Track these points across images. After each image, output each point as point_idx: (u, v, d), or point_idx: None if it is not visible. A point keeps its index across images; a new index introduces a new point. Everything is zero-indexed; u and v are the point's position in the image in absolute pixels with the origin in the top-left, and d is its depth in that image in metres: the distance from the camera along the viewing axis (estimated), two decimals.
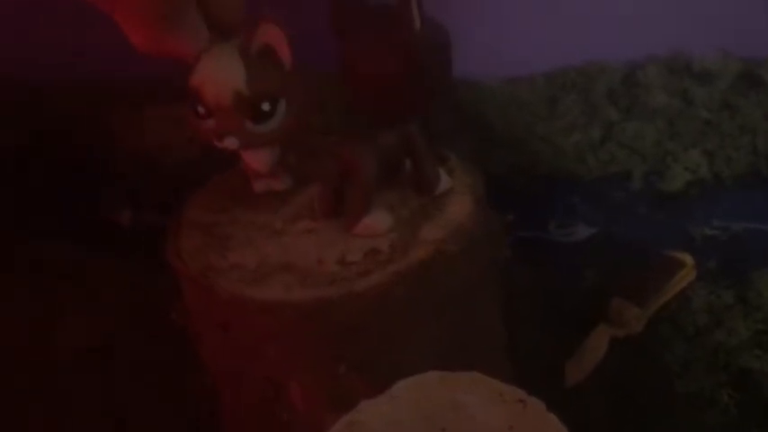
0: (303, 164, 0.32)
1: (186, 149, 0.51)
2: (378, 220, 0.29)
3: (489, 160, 0.47)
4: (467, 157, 0.33)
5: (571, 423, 0.24)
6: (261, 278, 0.28)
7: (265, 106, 0.28)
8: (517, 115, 0.51)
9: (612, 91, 0.53)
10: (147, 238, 0.46)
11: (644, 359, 0.37)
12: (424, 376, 0.28)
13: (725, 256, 0.42)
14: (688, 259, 0.40)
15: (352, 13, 0.27)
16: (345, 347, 0.28)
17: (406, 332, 0.29)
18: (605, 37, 0.55)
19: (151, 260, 0.43)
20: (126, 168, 0.49)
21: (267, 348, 0.28)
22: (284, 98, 0.28)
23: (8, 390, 0.38)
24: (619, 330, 0.38)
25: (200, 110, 0.28)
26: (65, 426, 0.37)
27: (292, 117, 0.29)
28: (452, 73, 0.29)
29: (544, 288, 0.41)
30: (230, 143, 0.28)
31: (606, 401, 0.35)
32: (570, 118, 0.51)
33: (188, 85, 0.28)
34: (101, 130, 0.51)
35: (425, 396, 0.28)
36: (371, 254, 0.28)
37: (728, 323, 0.38)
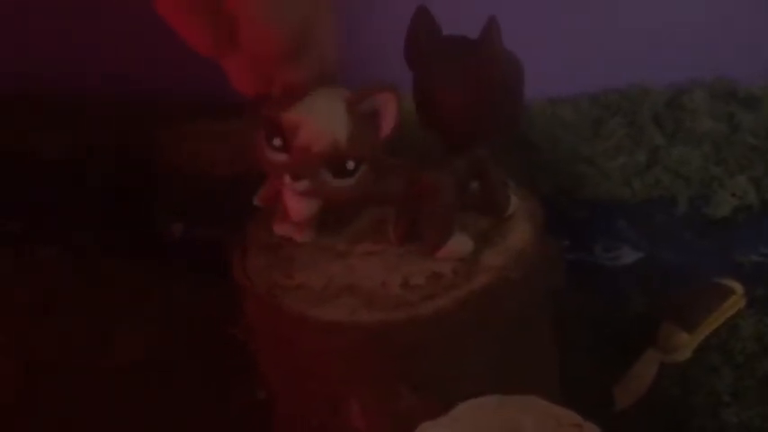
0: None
1: (231, 166, 0.52)
2: (460, 244, 0.30)
3: (535, 182, 0.48)
4: (516, 179, 0.34)
5: None
6: (327, 299, 0.29)
7: (350, 164, 0.28)
8: (562, 136, 0.52)
9: (657, 115, 0.53)
10: (199, 251, 0.47)
11: (693, 386, 0.37)
12: (483, 399, 0.29)
13: None
14: (737, 287, 0.40)
15: (428, 43, 0.28)
16: (408, 369, 0.29)
17: (466, 355, 0.29)
18: (650, 60, 0.55)
19: (204, 274, 0.45)
20: (176, 182, 0.51)
21: (330, 367, 0.29)
22: (367, 164, 0.28)
23: (63, 401, 0.39)
24: (667, 356, 0.38)
25: (277, 142, 0.28)
26: None
27: (366, 183, 0.29)
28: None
29: (591, 311, 0.41)
30: (302, 186, 0.28)
31: (654, 428, 0.36)
32: (615, 140, 0.51)
33: (278, 117, 0.28)
34: (151, 144, 0.52)
35: (485, 419, 0.29)
36: (434, 278, 0.29)
37: None
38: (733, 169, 0.48)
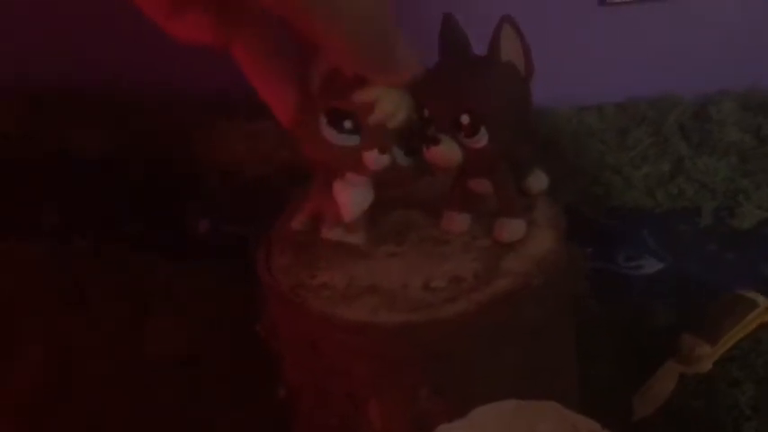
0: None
1: (259, 167, 0.52)
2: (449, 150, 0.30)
3: (559, 189, 0.48)
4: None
5: None
6: (349, 298, 0.29)
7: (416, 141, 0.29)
8: (587, 144, 0.52)
9: (683, 125, 0.53)
10: (226, 248, 0.48)
11: (713, 398, 0.37)
12: (501, 404, 0.29)
13: None
14: (761, 299, 0.40)
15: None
16: (427, 371, 0.29)
17: (486, 359, 0.29)
18: (677, 70, 0.55)
19: (230, 270, 0.45)
20: (206, 180, 0.52)
21: (351, 366, 0.29)
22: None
23: (93, 396, 0.39)
24: (688, 367, 0.38)
25: (348, 124, 0.29)
26: None
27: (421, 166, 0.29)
28: None
29: (611, 321, 0.41)
30: (383, 161, 0.29)
31: None
32: (640, 150, 0.51)
33: (347, 101, 0.28)
34: (183, 143, 0.53)
35: (502, 423, 0.29)
36: (455, 281, 0.29)
37: None
38: (759, 181, 0.48)
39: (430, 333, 0.28)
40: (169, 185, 0.51)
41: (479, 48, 0.30)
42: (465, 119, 0.28)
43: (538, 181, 0.33)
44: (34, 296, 0.45)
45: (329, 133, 0.29)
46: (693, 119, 0.53)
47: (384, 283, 0.30)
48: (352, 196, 0.30)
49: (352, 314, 0.28)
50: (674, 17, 0.55)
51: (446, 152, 0.28)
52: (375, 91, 0.28)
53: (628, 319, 0.41)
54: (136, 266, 0.47)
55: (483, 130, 0.28)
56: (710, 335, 0.38)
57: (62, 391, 0.40)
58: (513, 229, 0.30)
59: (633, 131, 0.52)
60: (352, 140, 0.29)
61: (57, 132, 0.54)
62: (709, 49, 0.54)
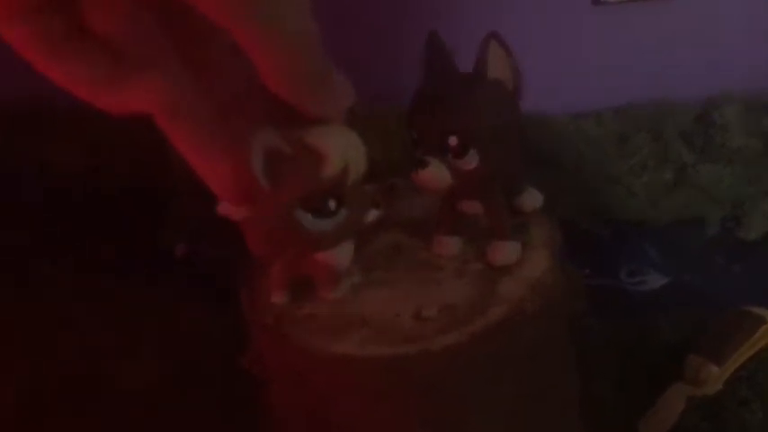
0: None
1: None
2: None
3: (558, 202, 0.46)
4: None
5: None
6: (336, 330, 0.28)
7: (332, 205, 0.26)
8: (585, 152, 0.50)
9: (685, 131, 0.51)
10: (204, 269, 0.47)
11: (722, 420, 0.35)
12: None
13: None
14: None
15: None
16: (420, 404, 0.27)
17: (481, 390, 0.28)
18: (677, 72, 0.53)
19: (209, 293, 0.44)
20: (184, 201, 0.50)
21: (339, 400, 0.28)
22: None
23: (71, 422, 0.38)
24: (695, 389, 0.36)
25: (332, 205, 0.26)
26: None
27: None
28: None
29: (615, 340, 0.39)
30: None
31: None
32: (640, 158, 0.50)
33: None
34: (161, 163, 0.51)
35: None
36: (448, 310, 0.28)
37: None
38: (766, 189, 0.47)
39: (421, 366, 0.26)
40: (145, 204, 0.50)
41: (466, 63, 0.28)
42: (453, 140, 0.27)
43: (531, 199, 0.31)
44: (5, 324, 0.43)
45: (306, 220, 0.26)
46: (695, 124, 0.51)
47: (373, 313, 0.28)
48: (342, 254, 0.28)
49: (339, 348, 0.27)
50: (671, 16, 0.53)
51: (435, 175, 0.27)
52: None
53: (632, 337, 0.40)
54: (111, 289, 0.45)
55: (472, 151, 0.27)
56: (717, 354, 0.37)
57: (35, 422, 0.39)
58: (506, 252, 0.29)
59: (633, 139, 0.51)
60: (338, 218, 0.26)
61: (28, 150, 0.53)
62: (710, 50, 0.53)
